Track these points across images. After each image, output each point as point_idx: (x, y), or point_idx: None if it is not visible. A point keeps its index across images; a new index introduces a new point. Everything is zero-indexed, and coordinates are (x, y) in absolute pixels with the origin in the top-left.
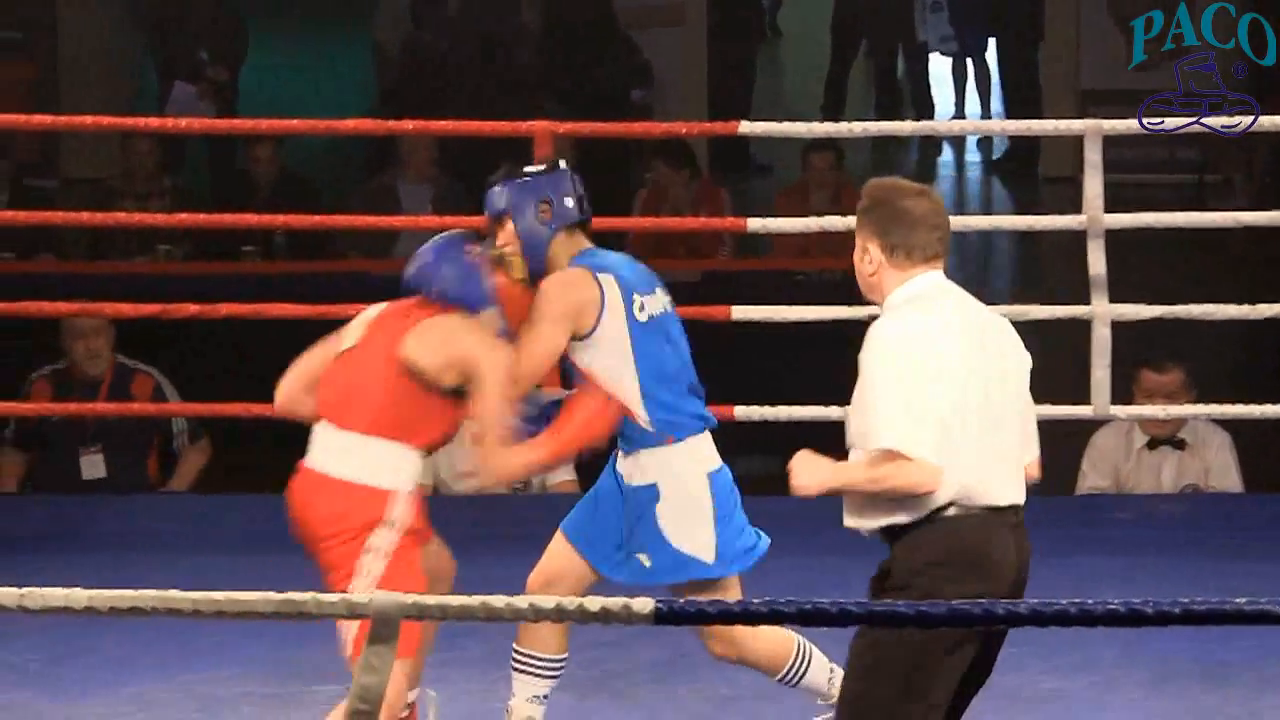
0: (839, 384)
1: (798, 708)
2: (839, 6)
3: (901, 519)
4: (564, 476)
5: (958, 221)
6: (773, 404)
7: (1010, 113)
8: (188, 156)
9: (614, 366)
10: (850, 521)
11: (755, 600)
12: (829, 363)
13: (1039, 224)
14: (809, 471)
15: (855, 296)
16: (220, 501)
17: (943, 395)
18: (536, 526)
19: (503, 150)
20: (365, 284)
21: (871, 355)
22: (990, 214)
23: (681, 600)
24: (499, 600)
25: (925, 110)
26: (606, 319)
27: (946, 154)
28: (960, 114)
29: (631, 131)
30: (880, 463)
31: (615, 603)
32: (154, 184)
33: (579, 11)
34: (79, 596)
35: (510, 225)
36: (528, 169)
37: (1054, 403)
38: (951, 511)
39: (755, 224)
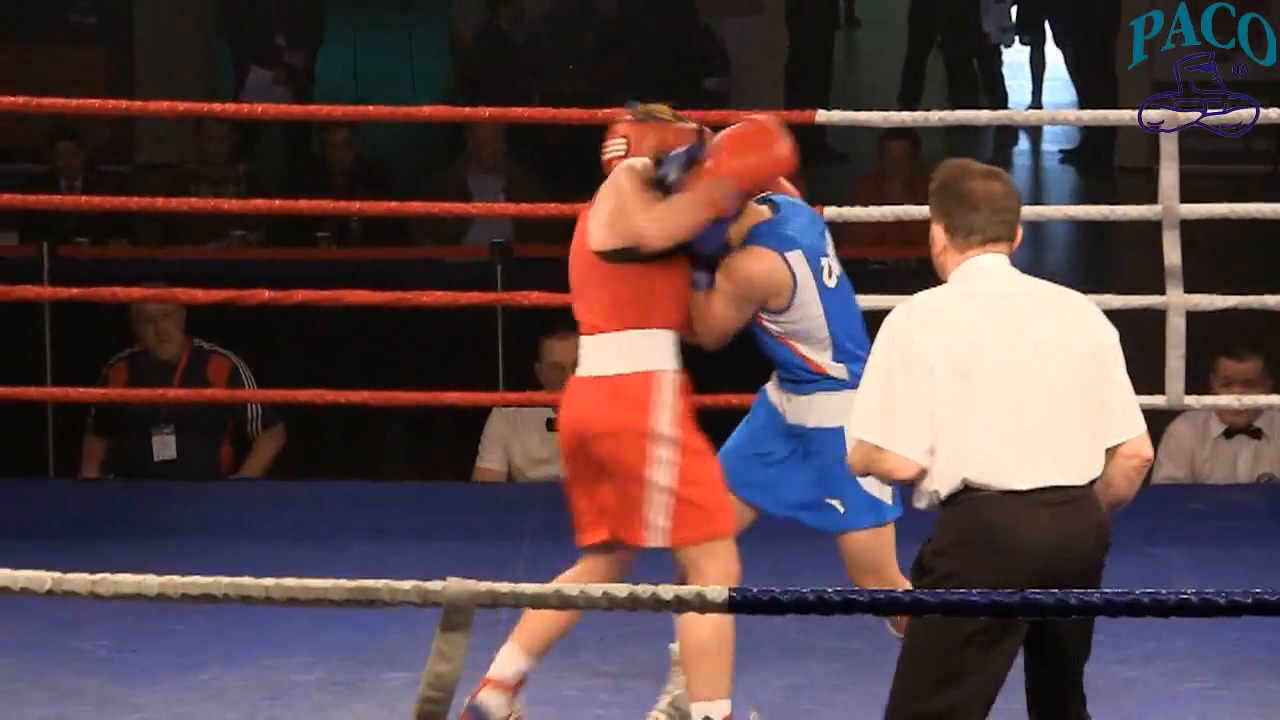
0: None
1: (867, 695)
2: None
3: (921, 504)
4: None
5: (1032, 211)
6: None
7: (1086, 103)
8: (263, 142)
9: (808, 330)
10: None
11: (830, 590)
12: None
13: (1114, 214)
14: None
15: (932, 285)
16: (294, 488)
17: (927, 385)
18: None
19: (577, 138)
20: (440, 271)
21: (876, 341)
22: (1065, 204)
23: (755, 590)
24: (573, 588)
25: (1000, 100)
26: (800, 296)
27: (1022, 143)
28: (1037, 104)
29: (708, 119)
30: (867, 450)
31: (689, 591)
32: (229, 169)
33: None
34: (150, 583)
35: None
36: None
37: None
38: (967, 495)
39: (831, 212)
